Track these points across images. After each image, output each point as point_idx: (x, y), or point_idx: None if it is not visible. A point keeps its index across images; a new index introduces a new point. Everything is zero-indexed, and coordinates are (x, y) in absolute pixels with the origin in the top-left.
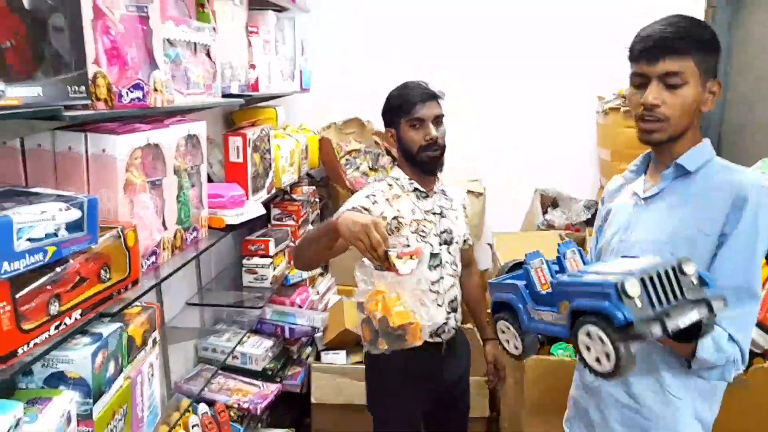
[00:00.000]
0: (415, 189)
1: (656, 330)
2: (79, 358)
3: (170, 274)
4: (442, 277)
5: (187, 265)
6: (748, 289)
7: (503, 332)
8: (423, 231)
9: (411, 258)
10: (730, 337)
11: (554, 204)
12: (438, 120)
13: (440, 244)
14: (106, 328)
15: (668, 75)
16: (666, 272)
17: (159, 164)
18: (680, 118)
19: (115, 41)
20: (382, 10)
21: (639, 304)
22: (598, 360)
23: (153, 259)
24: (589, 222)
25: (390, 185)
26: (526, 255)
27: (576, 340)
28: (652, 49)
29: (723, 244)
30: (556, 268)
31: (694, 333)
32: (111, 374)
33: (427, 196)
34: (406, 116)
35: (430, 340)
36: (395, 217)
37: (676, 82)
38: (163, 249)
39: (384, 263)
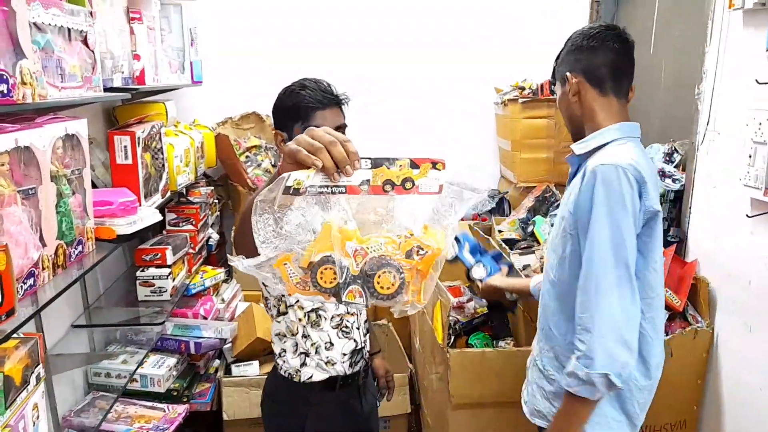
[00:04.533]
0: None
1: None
2: None
3: (53, 299)
4: None
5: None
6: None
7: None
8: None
9: (435, 167)
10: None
11: None
12: (339, 131)
13: None
14: None
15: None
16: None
17: (32, 170)
18: (566, 119)
19: None
20: None
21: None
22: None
23: (31, 281)
24: (494, 211)
25: None
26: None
27: None
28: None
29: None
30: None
31: None
32: None
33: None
34: (300, 123)
35: (350, 370)
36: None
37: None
38: (43, 269)
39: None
